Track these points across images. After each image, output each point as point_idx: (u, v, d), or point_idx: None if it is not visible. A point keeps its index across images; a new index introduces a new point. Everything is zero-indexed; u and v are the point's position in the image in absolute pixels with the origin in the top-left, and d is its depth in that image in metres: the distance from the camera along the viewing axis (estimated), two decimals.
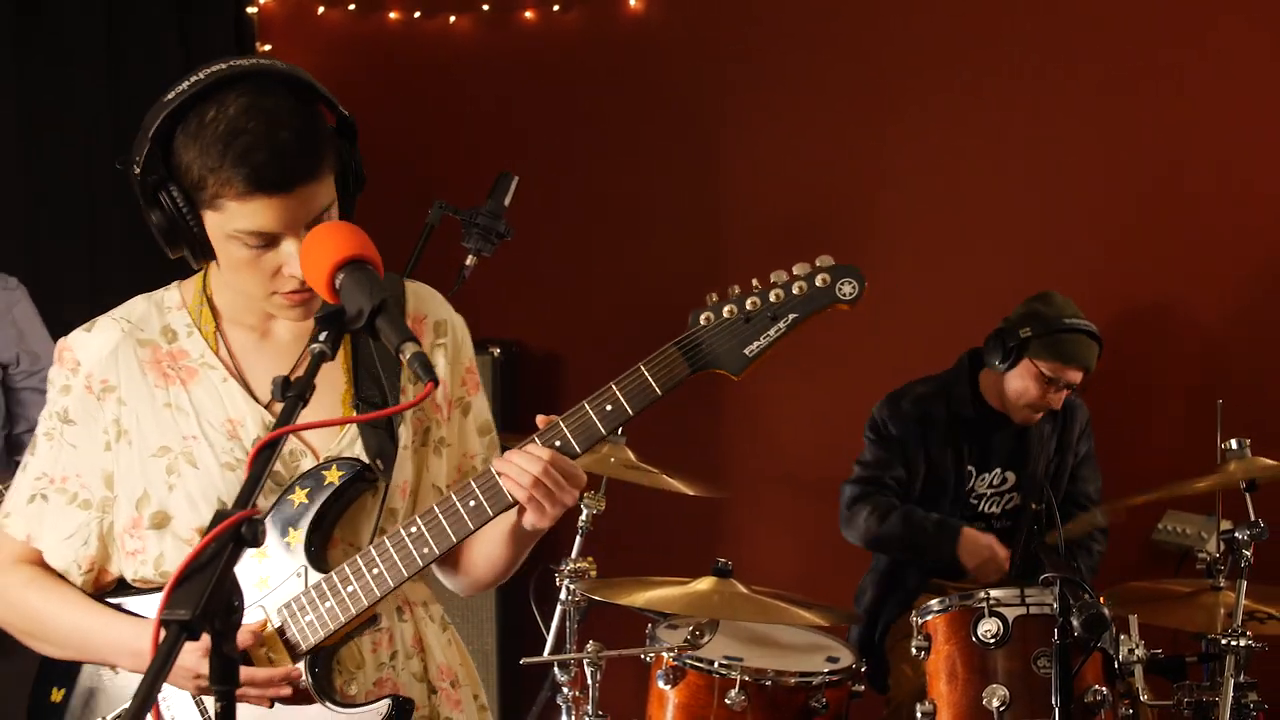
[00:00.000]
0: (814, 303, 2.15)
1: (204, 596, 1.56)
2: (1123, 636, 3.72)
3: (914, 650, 3.82)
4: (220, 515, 1.65)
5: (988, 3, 5.23)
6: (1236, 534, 3.63)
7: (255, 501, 1.70)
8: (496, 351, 5.39)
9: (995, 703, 3.62)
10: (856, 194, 5.33)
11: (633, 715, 4.04)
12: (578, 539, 4.12)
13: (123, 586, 2.32)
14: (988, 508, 4.51)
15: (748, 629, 4.05)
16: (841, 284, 2.14)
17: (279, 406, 2.21)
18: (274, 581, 2.21)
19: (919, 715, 3.74)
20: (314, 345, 1.92)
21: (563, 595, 4.00)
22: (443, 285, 2.59)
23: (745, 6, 5.50)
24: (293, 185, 2.08)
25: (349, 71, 5.49)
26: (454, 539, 2.17)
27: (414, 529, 2.18)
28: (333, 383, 2.29)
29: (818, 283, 2.15)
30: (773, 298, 2.16)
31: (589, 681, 3.78)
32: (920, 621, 3.83)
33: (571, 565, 3.99)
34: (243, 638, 2.15)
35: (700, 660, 3.77)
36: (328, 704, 2.18)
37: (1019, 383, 4.38)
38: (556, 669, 3.85)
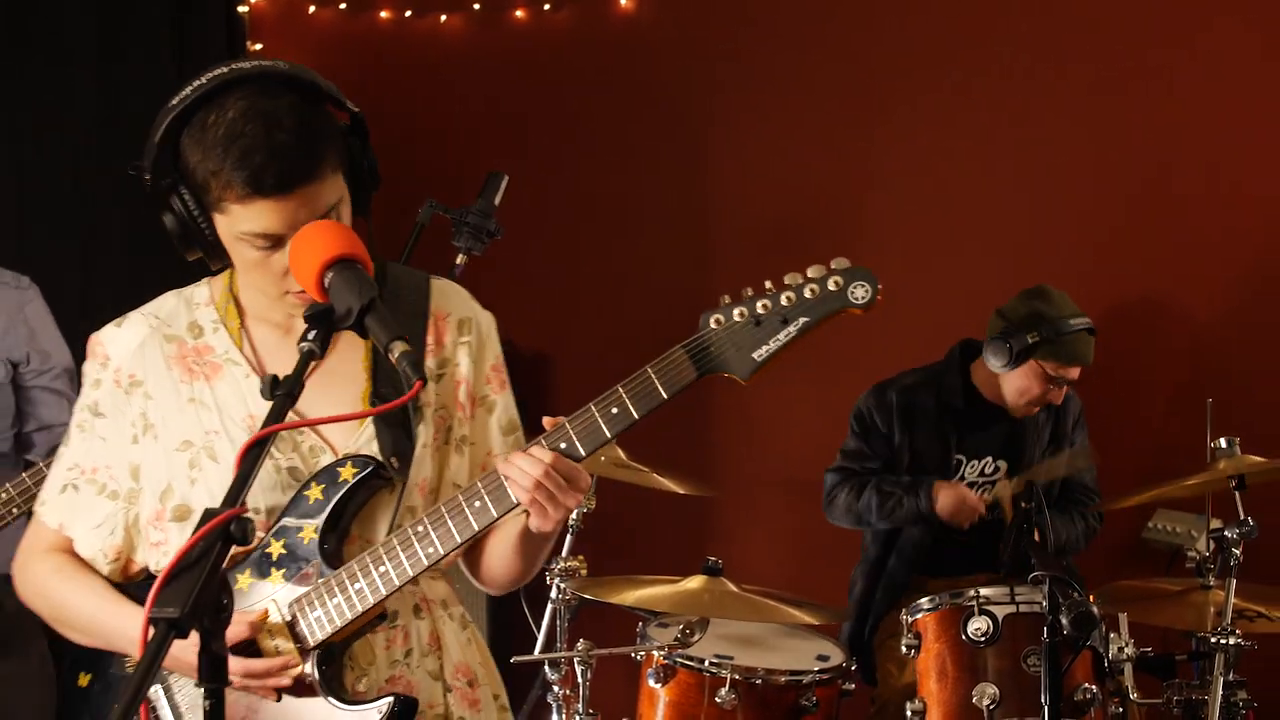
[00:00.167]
0: (825, 306, 2.09)
1: (192, 595, 1.56)
2: (1112, 635, 3.73)
3: (904, 649, 3.82)
4: (208, 514, 1.65)
5: (977, 4, 5.24)
6: (1226, 532, 3.64)
7: (243, 500, 1.70)
8: None
9: (985, 701, 3.63)
10: (845, 194, 5.33)
11: (623, 714, 4.04)
12: (568, 537, 4.12)
13: (150, 578, 2.34)
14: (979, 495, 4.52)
15: (738, 627, 4.05)
16: (854, 287, 2.08)
17: (301, 404, 2.23)
18: (288, 576, 2.23)
19: (909, 714, 3.75)
20: (302, 344, 1.94)
21: (553, 594, 4.00)
22: None
23: (736, 6, 5.50)
24: (291, 187, 2.09)
25: (340, 70, 5.42)
26: (458, 539, 2.17)
27: (420, 528, 2.18)
28: (354, 380, 2.29)
29: (830, 286, 2.08)
30: (784, 300, 2.09)
31: (579, 680, 3.77)
32: (910, 620, 3.84)
33: (562, 564, 3.99)
34: (240, 629, 2.17)
35: (691, 659, 3.77)
36: (330, 699, 2.19)
37: (1022, 381, 4.39)
38: (547, 667, 3.85)
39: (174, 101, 2.15)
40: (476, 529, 2.17)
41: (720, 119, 5.48)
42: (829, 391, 5.04)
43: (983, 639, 3.69)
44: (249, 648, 2.20)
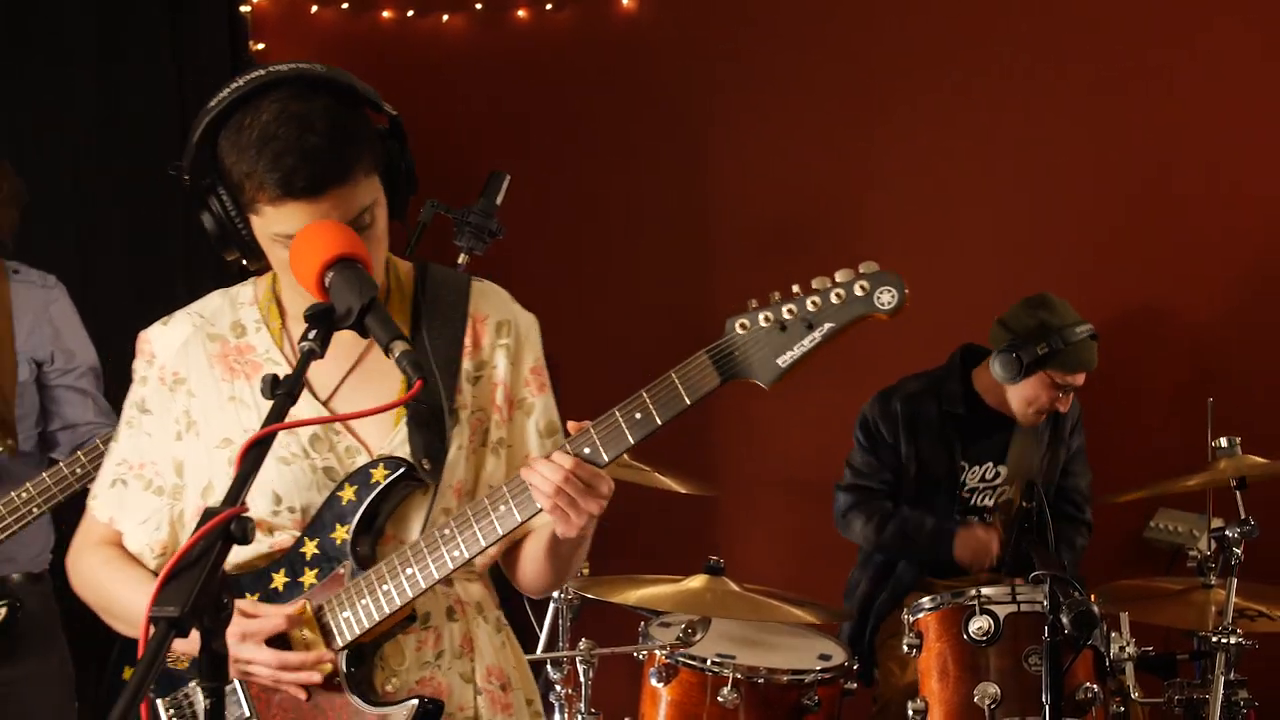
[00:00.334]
0: (851, 312, 2.06)
1: (193, 593, 1.57)
2: (1114, 634, 3.73)
3: (905, 648, 3.83)
4: (209, 513, 1.66)
5: (977, 4, 5.24)
6: (1227, 532, 3.64)
7: (243, 499, 1.70)
8: None
9: (987, 700, 3.63)
10: (845, 194, 5.33)
11: (625, 713, 4.04)
12: None
13: None
14: (980, 501, 4.52)
15: (740, 627, 4.06)
16: (880, 293, 2.04)
17: (336, 402, 2.28)
18: (320, 576, 2.25)
19: (911, 713, 3.75)
20: (303, 343, 1.94)
21: (555, 593, 4.00)
22: None
23: (738, 6, 5.50)
24: (322, 189, 2.10)
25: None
26: (483, 543, 2.18)
27: (447, 531, 2.19)
28: (391, 380, 2.29)
29: (856, 291, 2.05)
30: (810, 305, 2.06)
31: (582, 679, 3.78)
32: (912, 619, 3.84)
33: None
34: (276, 620, 2.20)
35: (693, 658, 3.78)
36: (356, 699, 2.21)
37: (1029, 391, 4.38)
38: (549, 667, 3.86)
39: (212, 103, 2.17)
40: (501, 533, 2.18)
41: (722, 119, 5.48)
42: (830, 391, 5.03)
43: (984, 638, 3.69)
44: (282, 645, 2.22)
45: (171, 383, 2.35)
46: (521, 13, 5.69)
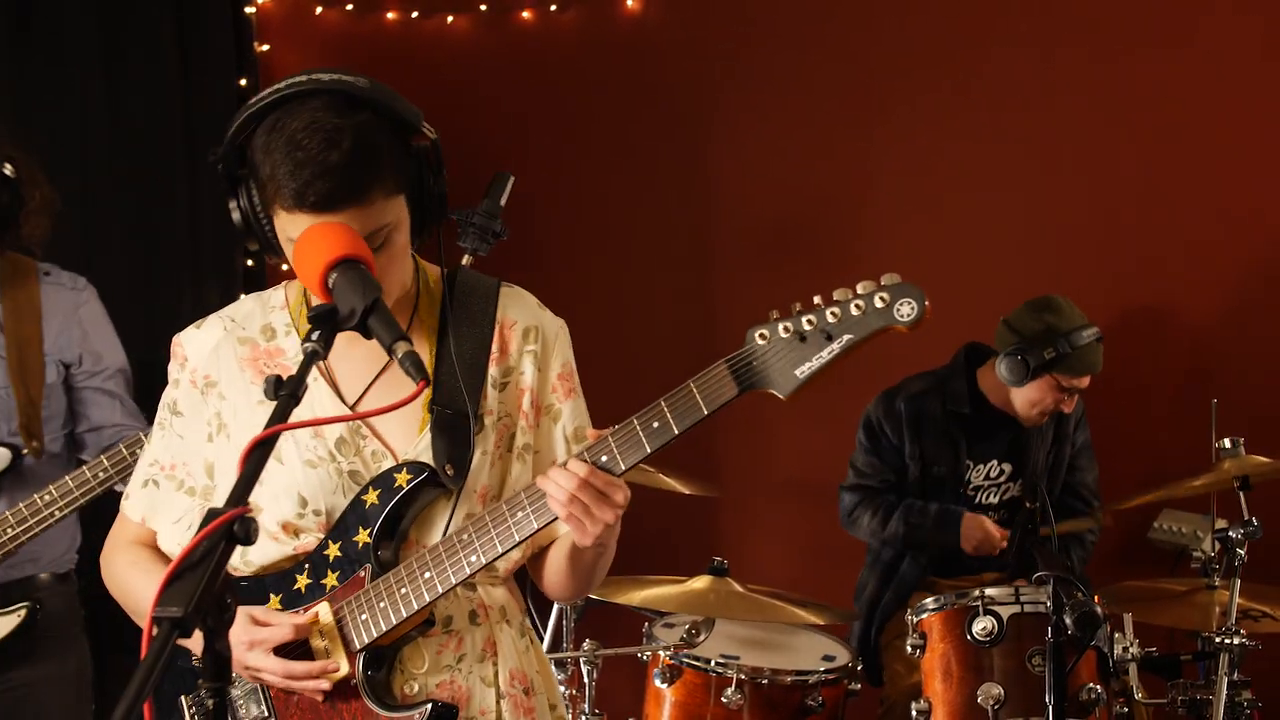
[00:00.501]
0: (871, 324, 2.05)
1: (196, 594, 1.57)
2: (1118, 635, 3.73)
3: (909, 649, 3.83)
4: (212, 513, 1.66)
5: (977, 4, 5.24)
6: (1231, 532, 3.64)
7: (247, 500, 1.71)
8: None
9: (990, 701, 3.63)
10: (846, 194, 5.33)
11: (629, 713, 4.05)
12: None
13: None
14: (986, 499, 4.53)
15: (744, 628, 4.06)
16: (900, 305, 2.03)
17: (364, 406, 2.29)
18: (341, 579, 2.26)
19: (914, 714, 3.75)
20: (305, 344, 1.95)
21: None
22: None
23: (742, 7, 5.50)
24: (333, 207, 2.11)
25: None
26: (500, 549, 2.18)
27: (465, 536, 2.20)
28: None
29: (876, 303, 2.04)
30: (830, 317, 2.05)
31: (586, 680, 3.79)
32: (915, 620, 3.84)
33: None
34: (284, 630, 2.21)
35: (697, 659, 3.78)
36: (371, 702, 2.22)
37: (1034, 394, 4.39)
38: (554, 667, 3.86)
39: (253, 99, 2.19)
40: (518, 539, 2.18)
41: (725, 119, 5.48)
42: (833, 392, 5.02)
43: (988, 639, 3.69)
44: (299, 648, 2.24)
45: (203, 385, 2.37)
46: (526, 14, 5.69)
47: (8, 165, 3.46)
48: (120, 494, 2.50)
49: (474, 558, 2.18)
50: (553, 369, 2.40)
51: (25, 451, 3.46)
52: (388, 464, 2.28)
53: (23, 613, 3.44)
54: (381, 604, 2.22)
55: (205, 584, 1.58)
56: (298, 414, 2.24)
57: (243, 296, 2.50)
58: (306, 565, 2.29)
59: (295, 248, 2.10)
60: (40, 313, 3.55)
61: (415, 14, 5.76)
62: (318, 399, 2.31)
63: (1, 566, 3.43)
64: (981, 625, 3.69)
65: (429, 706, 2.21)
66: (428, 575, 2.20)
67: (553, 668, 3.86)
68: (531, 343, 2.38)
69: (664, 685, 3.81)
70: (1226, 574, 3.69)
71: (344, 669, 2.24)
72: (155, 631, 1.56)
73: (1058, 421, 4.57)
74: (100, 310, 3.66)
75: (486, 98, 5.69)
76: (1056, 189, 5.09)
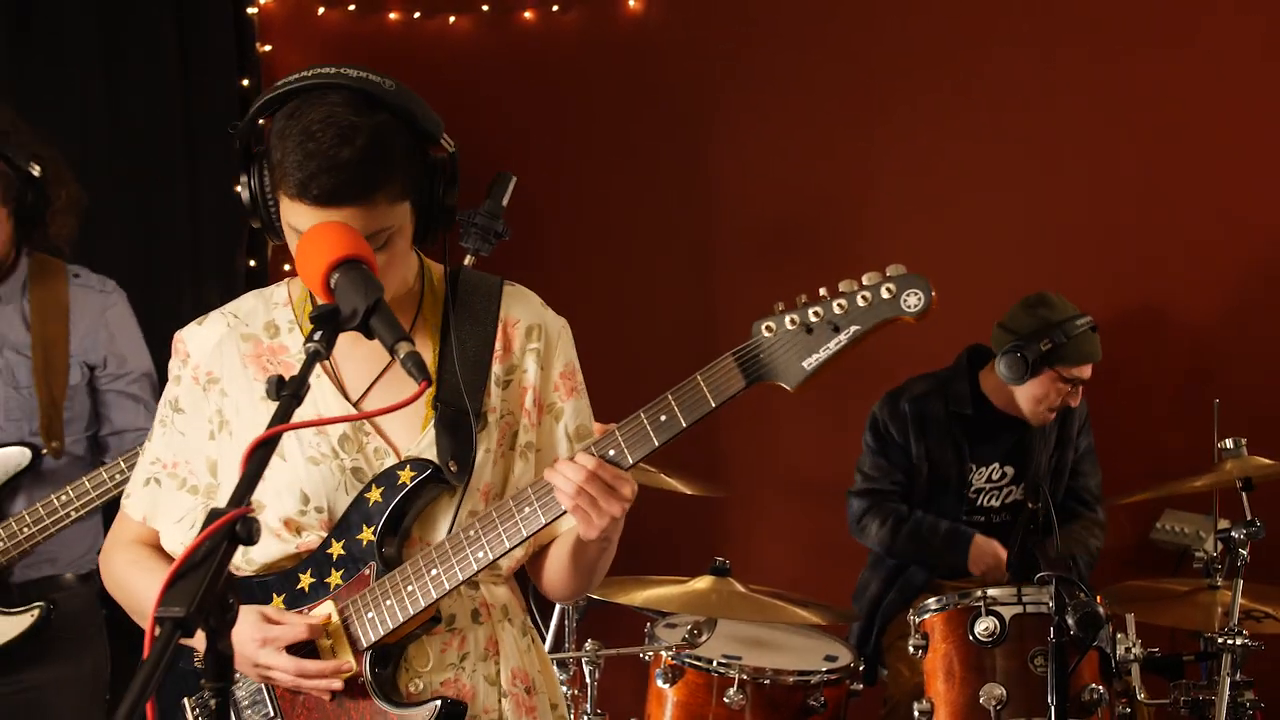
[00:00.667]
0: (878, 314, 2.05)
1: (198, 594, 1.57)
2: (1120, 635, 3.73)
3: (911, 649, 3.83)
4: (214, 513, 1.66)
5: (977, 4, 5.24)
6: (1233, 533, 3.64)
7: (249, 499, 1.71)
8: None
9: (992, 701, 3.63)
10: (847, 194, 5.33)
11: (631, 714, 4.05)
12: None
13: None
14: (987, 501, 4.53)
15: (746, 628, 4.06)
16: (907, 295, 2.04)
17: (367, 403, 2.29)
18: (346, 577, 2.26)
19: (916, 714, 3.75)
20: (308, 345, 1.95)
21: None
22: None
23: (744, 7, 5.50)
24: (335, 203, 2.11)
25: None
26: (507, 544, 2.19)
27: (472, 533, 2.20)
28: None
29: (883, 293, 2.04)
30: (836, 308, 2.05)
31: (588, 680, 3.79)
32: (918, 620, 3.84)
33: None
34: (299, 630, 2.21)
35: (699, 659, 3.78)
36: (379, 701, 2.22)
37: (1038, 389, 4.39)
38: (555, 667, 3.85)
39: (279, 82, 2.19)
40: (526, 535, 2.19)
41: (727, 119, 5.48)
42: (836, 392, 5.04)
43: (990, 639, 3.69)
44: (306, 647, 2.24)
45: (205, 382, 2.36)
46: (528, 14, 5.69)
47: (34, 164, 3.46)
48: None
49: (481, 554, 2.19)
50: (555, 367, 2.40)
51: (45, 451, 3.47)
52: (390, 461, 2.28)
53: (36, 613, 3.44)
54: (388, 601, 2.22)
55: (208, 584, 1.58)
56: (302, 410, 2.24)
57: (246, 294, 2.47)
58: (309, 564, 2.29)
59: (298, 247, 2.10)
60: (67, 314, 3.56)
61: (417, 14, 5.76)
62: (322, 397, 2.31)
63: (20, 566, 3.44)
64: (984, 626, 3.69)
65: (438, 704, 2.21)
66: (435, 572, 2.20)
67: (555, 668, 3.89)
68: (535, 341, 2.38)
69: (666, 685, 3.81)
70: (1229, 574, 3.69)
71: (353, 667, 2.24)
72: (158, 632, 1.56)
73: (1061, 424, 4.56)
74: (128, 313, 3.66)
75: (488, 98, 5.69)
76: (1057, 189, 5.09)
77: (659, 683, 3.82)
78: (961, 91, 5.19)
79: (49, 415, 3.48)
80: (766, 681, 3.77)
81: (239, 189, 2.24)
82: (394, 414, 2.20)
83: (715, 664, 3.78)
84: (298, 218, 2.14)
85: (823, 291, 2.07)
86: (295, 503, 2.28)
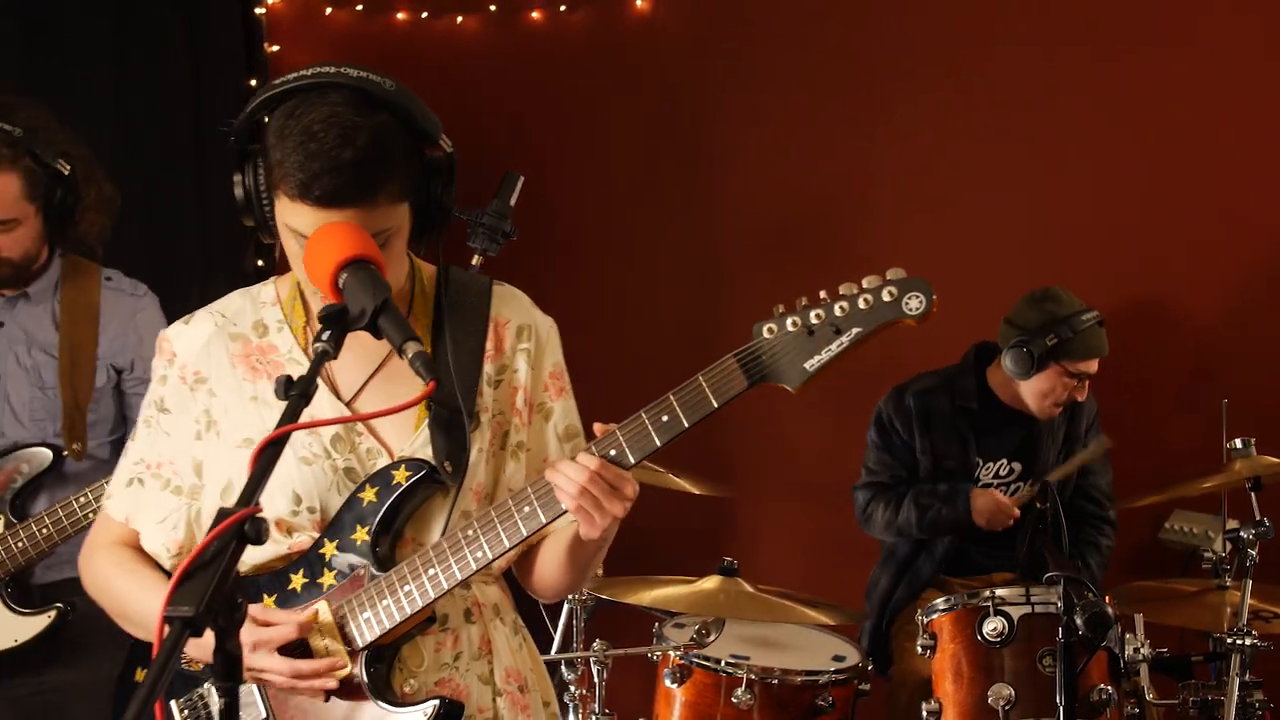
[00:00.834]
0: (879, 317, 2.06)
1: (207, 593, 1.57)
2: (1128, 635, 3.72)
3: (920, 649, 3.82)
4: (223, 513, 1.66)
5: (977, 4, 5.23)
6: (1242, 533, 3.64)
7: (257, 500, 1.71)
8: None
9: (1001, 702, 3.63)
10: (849, 194, 5.33)
11: (639, 714, 4.05)
12: None
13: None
14: None
15: (754, 628, 4.06)
16: (909, 298, 2.05)
17: (360, 403, 2.29)
18: (339, 577, 2.25)
19: (925, 714, 3.75)
20: (316, 344, 1.95)
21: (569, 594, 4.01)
22: None
23: (752, 7, 5.50)
24: (337, 204, 2.11)
25: None
26: (507, 544, 2.19)
27: (470, 532, 2.20)
28: (415, 381, 2.29)
29: (884, 296, 2.05)
30: (838, 311, 2.06)
31: (595, 680, 3.79)
32: (926, 620, 3.84)
33: None
34: (288, 629, 2.20)
35: (707, 659, 3.78)
36: (376, 701, 2.22)
37: (1044, 384, 4.38)
38: (563, 667, 3.86)
39: (278, 81, 2.19)
40: (525, 534, 2.18)
41: (731, 119, 5.48)
42: (842, 392, 5.03)
43: (998, 639, 3.69)
44: (299, 648, 2.23)
45: (193, 382, 2.35)
46: (535, 14, 5.69)
47: (63, 161, 3.46)
48: None
49: (480, 553, 2.18)
50: (545, 367, 2.41)
51: (66, 453, 3.47)
52: (383, 461, 2.28)
53: (53, 614, 3.44)
54: (385, 601, 2.21)
55: (216, 583, 1.59)
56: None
57: (232, 293, 2.45)
58: (301, 564, 2.27)
59: (307, 247, 2.09)
60: (97, 316, 3.56)
61: (425, 14, 5.76)
62: (314, 397, 2.30)
63: (40, 567, 3.44)
64: (992, 626, 3.69)
65: (435, 703, 2.21)
66: (432, 572, 2.20)
67: (562, 668, 3.89)
68: (525, 341, 2.38)
69: (674, 685, 3.81)
70: (1238, 574, 3.68)
71: (348, 665, 2.23)
72: (166, 631, 1.56)
73: (1069, 421, 4.56)
74: (158, 318, 3.66)
75: (495, 98, 5.69)
76: (1059, 188, 5.08)
77: (667, 682, 3.82)
78: (963, 91, 5.18)
79: (71, 417, 3.48)
80: (774, 681, 3.76)
81: (235, 187, 2.23)
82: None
83: (723, 664, 3.77)
84: (298, 218, 2.13)
85: (823, 294, 2.08)
86: (287, 503, 2.27)
